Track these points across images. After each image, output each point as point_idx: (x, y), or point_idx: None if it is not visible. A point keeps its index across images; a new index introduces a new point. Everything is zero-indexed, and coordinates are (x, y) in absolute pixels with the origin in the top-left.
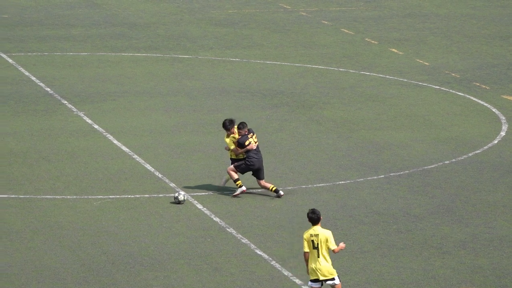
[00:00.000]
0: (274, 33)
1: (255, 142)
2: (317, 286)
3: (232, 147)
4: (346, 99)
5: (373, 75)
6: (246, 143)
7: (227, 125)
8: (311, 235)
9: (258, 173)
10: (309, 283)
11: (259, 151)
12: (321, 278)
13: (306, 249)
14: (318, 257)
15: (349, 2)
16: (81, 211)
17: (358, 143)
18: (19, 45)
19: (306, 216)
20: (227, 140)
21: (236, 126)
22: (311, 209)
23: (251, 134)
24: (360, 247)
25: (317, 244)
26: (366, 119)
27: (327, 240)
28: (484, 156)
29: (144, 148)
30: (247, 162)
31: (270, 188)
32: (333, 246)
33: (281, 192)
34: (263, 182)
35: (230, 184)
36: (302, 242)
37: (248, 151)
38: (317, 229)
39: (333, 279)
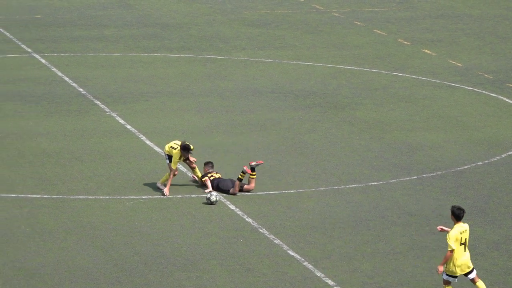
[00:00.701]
0: (306, 34)
1: (214, 176)
2: (455, 280)
3: (174, 166)
4: (379, 100)
5: (406, 76)
6: (203, 179)
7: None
8: (461, 232)
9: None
10: (450, 278)
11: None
12: (466, 271)
13: (454, 247)
14: (465, 251)
15: (381, 3)
16: (113, 212)
17: (391, 144)
18: (52, 46)
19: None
20: (176, 154)
21: (206, 164)
22: (456, 205)
23: (212, 171)
24: (393, 248)
25: (465, 239)
26: (398, 120)
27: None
28: None
29: None
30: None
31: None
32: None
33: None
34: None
35: (261, 183)
36: (449, 240)
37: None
38: (464, 225)
39: (472, 270)
